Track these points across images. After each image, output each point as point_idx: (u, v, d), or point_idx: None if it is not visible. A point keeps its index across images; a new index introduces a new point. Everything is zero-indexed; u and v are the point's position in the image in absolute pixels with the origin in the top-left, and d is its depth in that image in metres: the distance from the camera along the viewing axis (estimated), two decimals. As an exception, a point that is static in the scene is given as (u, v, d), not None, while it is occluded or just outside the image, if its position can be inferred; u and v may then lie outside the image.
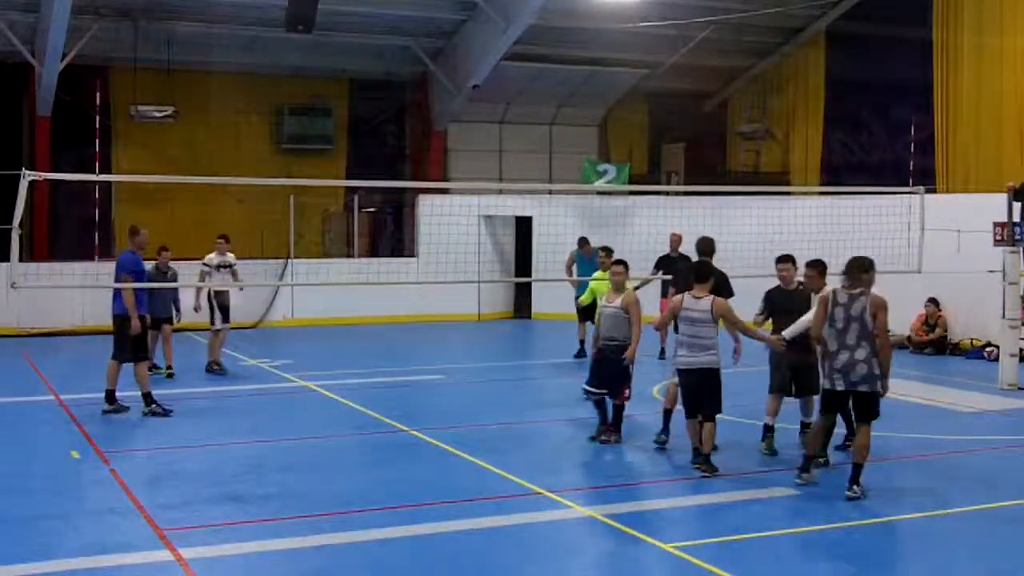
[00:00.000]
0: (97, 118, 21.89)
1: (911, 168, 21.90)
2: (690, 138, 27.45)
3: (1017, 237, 14.62)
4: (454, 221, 19.49)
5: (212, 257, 15.67)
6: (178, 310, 15.20)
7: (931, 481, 9.64)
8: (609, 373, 10.70)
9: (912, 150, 22.35)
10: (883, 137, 23.76)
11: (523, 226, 23.70)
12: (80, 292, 19.93)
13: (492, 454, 10.22)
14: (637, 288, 12.63)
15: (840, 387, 8.84)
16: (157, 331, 14.37)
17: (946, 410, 13.13)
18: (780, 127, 26.45)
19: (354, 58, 24.43)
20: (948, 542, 8.06)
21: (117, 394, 12.32)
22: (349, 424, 12.19)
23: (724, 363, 9.71)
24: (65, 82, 21.67)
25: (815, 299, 9.93)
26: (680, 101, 27.34)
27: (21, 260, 11.58)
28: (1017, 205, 14.78)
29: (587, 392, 10.99)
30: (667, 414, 10.63)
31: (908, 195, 15.30)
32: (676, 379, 10.23)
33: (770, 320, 10.46)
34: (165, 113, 22.71)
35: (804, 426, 10.51)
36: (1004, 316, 14.70)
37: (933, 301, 18.23)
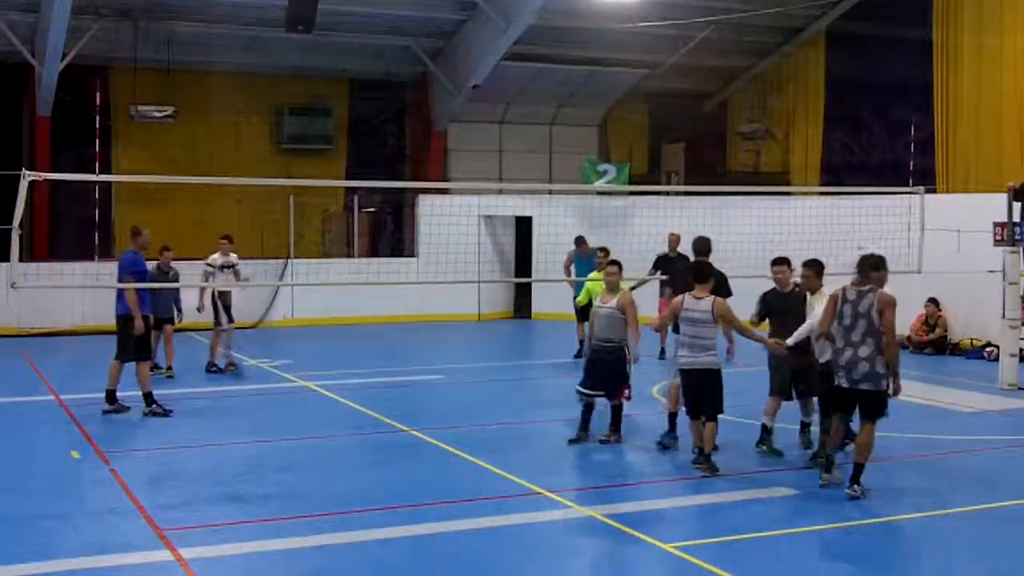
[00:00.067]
0: (97, 118, 21.87)
1: (911, 168, 21.90)
2: (690, 138, 27.46)
3: (1017, 237, 14.62)
4: (454, 221, 19.49)
5: (216, 257, 15.71)
6: (179, 310, 15.21)
7: (931, 481, 9.64)
8: (605, 374, 10.68)
9: (912, 150, 22.34)
10: (883, 137, 23.76)
11: (523, 226, 23.69)
12: (80, 292, 19.94)
13: (492, 454, 10.22)
14: (634, 288, 12.63)
15: (844, 384, 8.85)
16: (159, 331, 14.40)
17: (946, 410, 13.13)
18: (780, 127, 26.45)
19: (354, 58, 24.43)
20: (948, 542, 8.07)
21: (118, 394, 12.33)
22: (349, 424, 12.19)
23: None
24: (65, 82, 21.67)
25: (811, 300, 9.95)
26: (680, 101, 27.35)
27: (21, 260, 11.58)
28: (1017, 205, 14.78)
29: (581, 393, 10.91)
30: (672, 418, 10.61)
31: (908, 195, 15.31)
32: (676, 380, 10.24)
33: (766, 321, 10.46)
34: (165, 113, 22.72)
35: (804, 426, 10.52)
36: (1004, 316, 14.70)
37: (933, 301, 18.23)
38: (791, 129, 26.04)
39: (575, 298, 16.18)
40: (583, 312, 15.49)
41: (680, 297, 9.87)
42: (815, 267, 10.11)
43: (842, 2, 24.10)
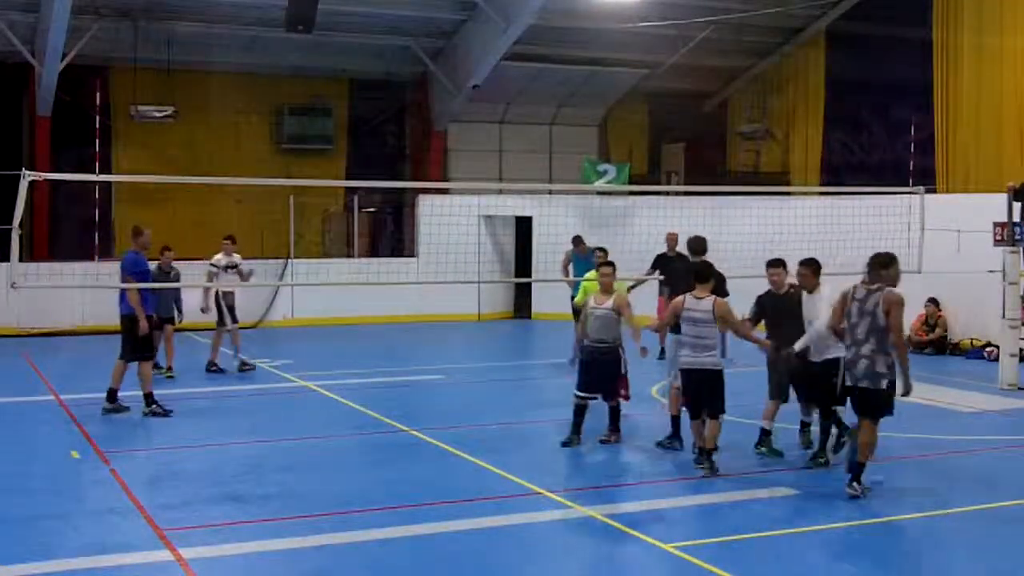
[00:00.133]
0: (97, 118, 21.87)
1: (911, 168, 21.89)
2: (690, 138, 27.46)
3: (1017, 237, 14.62)
4: (454, 221, 19.49)
5: (219, 258, 15.72)
6: (180, 310, 15.21)
7: (931, 481, 9.65)
8: (600, 375, 10.64)
9: (912, 150, 22.34)
10: (883, 137, 23.76)
11: (523, 226, 23.70)
12: (80, 292, 19.96)
13: (492, 454, 10.22)
14: (631, 288, 12.61)
15: (848, 382, 8.88)
16: (160, 331, 14.38)
17: (946, 410, 13.12)
18: (780, 127, 26.46)
19: (354, 58, 24.43)
20: (948, 542, 8.07)
21: (118, 394, 12.33)
22: (349, 424, 12.19)
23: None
24: (65, 82, 21.68)
25: (807, 300, 9.94)
26: (680, 101, 27.35)
27: (21, 260, 11.57)
28: (1017, 205, 14.78)
29: (578, 398, 10.73)
30: (675, 420, 10.58)
31: (908, 195, 15.28)
32: (676, 381, 10.23)
33: (762, 323, 10.44)
34: (165, 113, 22.73)
35: (804, 426, 10.51)
36: (1004, 316, 14.70)
37: (933, 301, 18.23)
38: (791, 129, 26.04)
39: (572, 298, 16.15)
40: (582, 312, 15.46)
41: (681, 297, 9.85)
42: (812, 266, 10.08)
43: (842, 2, 24.10)
